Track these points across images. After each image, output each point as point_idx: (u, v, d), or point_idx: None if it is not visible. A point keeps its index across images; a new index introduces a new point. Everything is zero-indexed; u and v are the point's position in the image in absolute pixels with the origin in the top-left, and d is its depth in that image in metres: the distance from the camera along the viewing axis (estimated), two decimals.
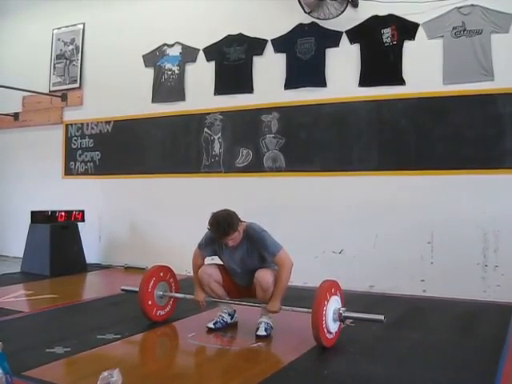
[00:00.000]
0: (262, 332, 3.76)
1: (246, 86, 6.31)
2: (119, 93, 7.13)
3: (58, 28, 7.79)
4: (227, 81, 6.44)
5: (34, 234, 6.71)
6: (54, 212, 6.76)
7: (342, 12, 5.52)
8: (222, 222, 3.58)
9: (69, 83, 7.67)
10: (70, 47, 7.68)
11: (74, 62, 7.63)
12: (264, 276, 3.68)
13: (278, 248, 3.70)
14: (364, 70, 5.68)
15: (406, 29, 5.47)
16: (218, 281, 3.92)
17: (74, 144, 7.64)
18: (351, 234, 5.66)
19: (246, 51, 6.31)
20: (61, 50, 7.77)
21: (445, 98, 5.31)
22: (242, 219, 3.74)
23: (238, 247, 3.76)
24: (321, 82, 5.88)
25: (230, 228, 3.59)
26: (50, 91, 7.76)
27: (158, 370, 3.22)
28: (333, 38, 5.82)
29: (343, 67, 5.79)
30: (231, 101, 6.41)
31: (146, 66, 7.01)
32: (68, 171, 7.69)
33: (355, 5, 5.62)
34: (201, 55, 6.63)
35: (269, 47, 6.19)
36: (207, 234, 3.86)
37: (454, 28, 5.27)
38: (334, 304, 3.52)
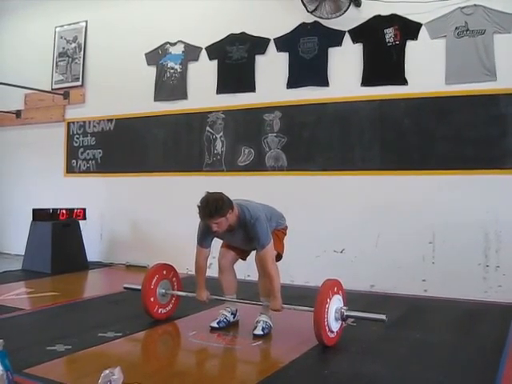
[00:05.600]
0: (258, 331, 3.76)
1: (248, 85, 6.30)
2: (121, 91, 7.13)
3: (61, 26, 7.79)
4: (229, 79, 6.44)
5: (36, 232, 6.70)
6: (55, 210, 6.76)
7: (345, 11, 5.52)
8: (211, 204, 3.51)
9: (71, 81, 7.67)
10: (73, 45, 7.68)
11: (77, 60, 7.64)
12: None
13: (267, 241, 3.66)
14: (366, 70, 5.67)
15: (409, 29, 5.46)
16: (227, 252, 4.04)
17: (76, 142, 7.64)
18: (353, 233, 5.66)
19: (248, 50, 6.30)
20: (63, 47, 7.77)
21: (447, 97, 5.30)
22: (237, 200, 3.76)
23: (235, 232, 3.75)
24: (323, 82, 5.88)
25: (217, 212, 3.51)
26: (52, 89, 7.76)
27: (159, 368, 3.22)
28: (335, 38, 5.82)
29: (346, 67, 5.78)
30: (233, 100, 6.41)
31: (148, 64, 7.01)
32: (70, 169, 7.70)
33: (358, 4, 5.62)
34: (203, 54, 6.63)
35: (271, 46, 6.19)
36: (199, 224, 3.84)
37: (456, 28, 5.26)
38: (336, 303, 3.52)
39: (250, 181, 6.15)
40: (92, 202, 7.21)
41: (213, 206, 3.51)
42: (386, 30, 5.56)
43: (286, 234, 4.09)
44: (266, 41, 6.20)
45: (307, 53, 5.96)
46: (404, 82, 5.49)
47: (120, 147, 7.26)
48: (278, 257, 3.91)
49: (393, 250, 5.44)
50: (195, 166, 6.63)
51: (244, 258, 4.13)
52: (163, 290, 4.17)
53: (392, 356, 3.39)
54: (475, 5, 5.19)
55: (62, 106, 7.74)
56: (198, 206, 3.58)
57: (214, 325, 3.93)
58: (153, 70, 6.97)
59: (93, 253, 7.14)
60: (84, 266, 6.81)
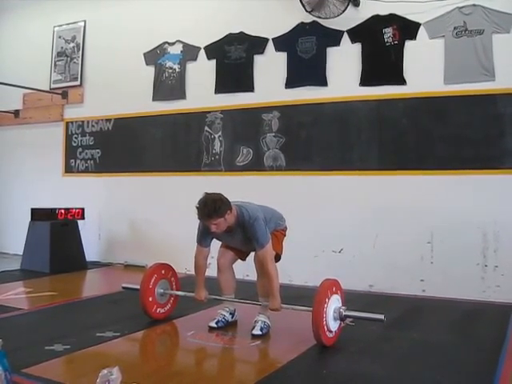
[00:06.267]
0: (257, 331, 3.77)
1: (246, 85, 6.30)
2: (120, 91, 7.13)
3: (59, 25, 7.78)
4: (228, 79, 6.44)
5: (34, 232, 6.70)
6: (54, 209, 6.75)
7: (344, 11, 5.52)
8: (209, 205, 3.52)
9: (69, 81, 7.66)
10: (71, 45, 7.68)
11: (75, 60, 7.63)
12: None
13: (266, 240, 3.67)
14: (365, 70, 5.67)
15: (408, 28, 5.47)
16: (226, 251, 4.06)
17: (75, 142, 7.63)
18: (351, 233, 5.66)
19: (246, 50, 6.30)
20: (62, 47, 7.76)
21: (446, 97, 5.31)
22: (236, 202, 3.75)
23: (234, 232, 3.75)
24: (321, 81, 5.88)
25: (215, 213, 3.52)
26: (50, 88, 7.75)
27: (158, 368, 3.22)
28: (334, 37, 5.82)
29: (344, 66, 5.78)
30: (232, 99, 6.41)
31: (146, 64, 7.00)
32: (68, 169, 7.69)
33: (356, 4, 5.62)
34: (202, 53, 6.62)
35: (270, 46, 6.19)
36: (199, 223, 3.84)
37: (455, 28, 5.26)
38: (334, 303, 3.52)
39: (249, 181, 6.15)
40: (90, 201, 7.20)
41: (211, 206, 3.51)
42: (384, 30, 5.56)
43: (285, 235, 4.08)
44: (264, 40, 6.20)
45: (305, 52, 5.96)
46: (402, 81, 5.50)
47: (118, 147, 7.25)
48: (277, 257, 3.91)
49: (391, 250, 5.44)
50: (193, 165, 6.62)
51: (243, 259, 4.13)
52: (162, 290, 4.17)
53: (390, 356, 3.39)
54: (474, 4, 5.19)
55: (61, 105, 7.74)
56: (197, 207, 3.58)
57: (213, 324, 3.93)
58: (151, 69, 6.97)
59: (91, 252, 7.14)
60: (82, 266, 6.80)
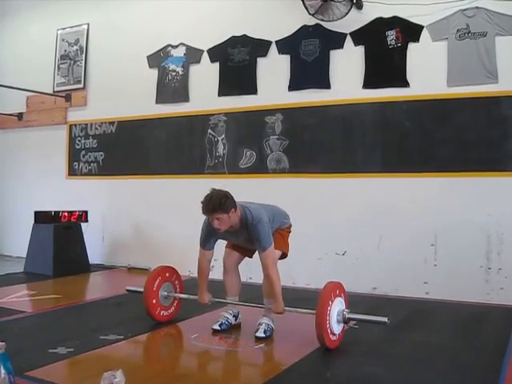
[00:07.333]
0: (260, 334, 3.76)
1: (250, 88, 6.31)
2: (123, 93, 7.14)
3: (63, 28, 7.80)
4: (231, 82, 6.45)
5: (38, 234, 6.70)
6: (57, 212, 6.76)
7: (347, 14, 5.52)
8: (215, 199, 3.53)
9: (73, 83, 7.68)
10: (74, 48, 7.70)
11: (78, 63, 7.65)
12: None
13: (268, 244, 3.66)
14: (368, 72, 5.67)
15: (411, 31, 5.47)
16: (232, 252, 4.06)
17: (78, 144, 7.65)
18: (354, 235, 5.66)
19: (250, 52, 6.31)
20: (65, 50, 7.78)
21: (449, 100, 5.30)
22: (240, 202, 3.73)
23: (239, 232, 3.75)
24: (325, 84, 5.88)
25: (220, 207, 3.51)
26: (54, 91, 7.78)
27: (161, 371, 3.22)
28: (337, 40, 5.82)
29: (347, 69, 5.78)
30: (235, 102, 6.41)
31: (150, 66, 7.01)
32: (72, 171, 7.70)
33: (360, 7, 5.62)
34: (205, 56, 6.63)
35: (273, 48, 6.19)
36: (203, 226, 3.85)
37: (458, 30, 5.26)
38: (338, 305, 3.51)
39: (252, 183, 6.13)
40: (94, 204, 7.21)
41: (216, 200, 3.52)
42: (387, 33, 5.56)
43: (290, 232, 4.08)
44: (267, 43, 6.21)
45: (309, 55, 5.96)
46: (406, 84, 5.49)
47: (122, 149, 7.26)
48: (284, 255, 3.93)
49: (394, 253, 5.44)
50: (197, 168, 6.63)
51: (250, 256, 4.11)
52: (165, 293, 4.17)
53: (394, 358, 3.38)
54: (477, 7, 5.18)
55: (64, 108, 7.75)
56: (202, 202, 3.58)
57: (216, 327, 3.93)
58: (154, 72, 6.98)
59: (95, 255, 7.14)
60: (86, 269, 6.81)
